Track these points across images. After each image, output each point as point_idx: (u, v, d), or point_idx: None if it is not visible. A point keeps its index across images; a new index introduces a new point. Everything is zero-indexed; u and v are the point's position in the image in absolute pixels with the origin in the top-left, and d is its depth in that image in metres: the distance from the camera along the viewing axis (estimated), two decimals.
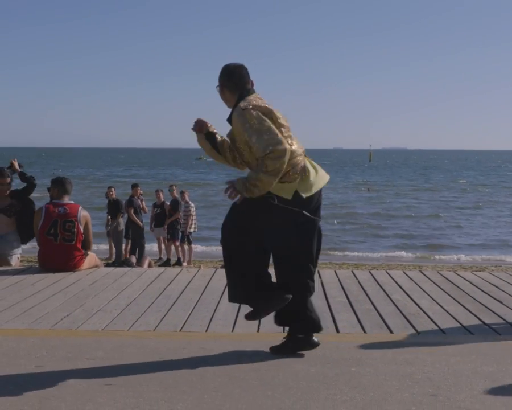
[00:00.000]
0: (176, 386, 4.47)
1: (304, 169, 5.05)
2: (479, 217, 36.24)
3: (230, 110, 5.25)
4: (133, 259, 15.11)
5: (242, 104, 5.00)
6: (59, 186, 9.48)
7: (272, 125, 4.89)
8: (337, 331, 6.04)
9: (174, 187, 19.60)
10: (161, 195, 19.56)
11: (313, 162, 5.21)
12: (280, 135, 4.86)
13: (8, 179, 9.90)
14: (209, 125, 5.51)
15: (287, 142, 4.91)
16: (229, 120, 5.20)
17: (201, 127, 5.50)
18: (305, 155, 5.16)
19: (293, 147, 5.02)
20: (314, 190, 5.08)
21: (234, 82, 5.22)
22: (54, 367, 4.88)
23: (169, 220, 18.94)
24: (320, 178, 5.16)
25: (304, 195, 5.00)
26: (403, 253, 23.23)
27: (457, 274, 9.20)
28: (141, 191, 19.47)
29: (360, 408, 4.12)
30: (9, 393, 4.33)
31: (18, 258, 10.10)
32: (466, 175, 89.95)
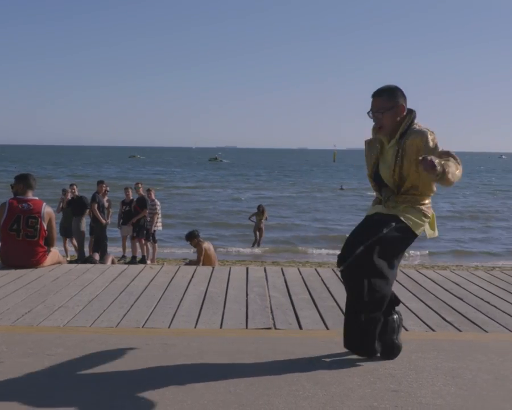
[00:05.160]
0: (138, 383, 4.45)
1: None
2: None
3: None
4: (97, 256, 15.02)
5: (422, 127, 4.97)
6: (23, 181, 9.40)
7: None
8: (300, 327, 6.05)
9: (140, 184, 19.49)
10: (130, 193, 19.44)
11: None
12: None
13: None
14: None
15: None
16: (400, 141, 4.99)
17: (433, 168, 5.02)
18: None
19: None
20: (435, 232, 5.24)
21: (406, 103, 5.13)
22: (14, 363, 4.82)
23: (136, 217, 18.82)
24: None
25: (427, 234, 5.16)
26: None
27: (419, 272, 9.28)
28: (108, 188, 19.28)
29: (322, 403, 4.13)
30: None
31: None
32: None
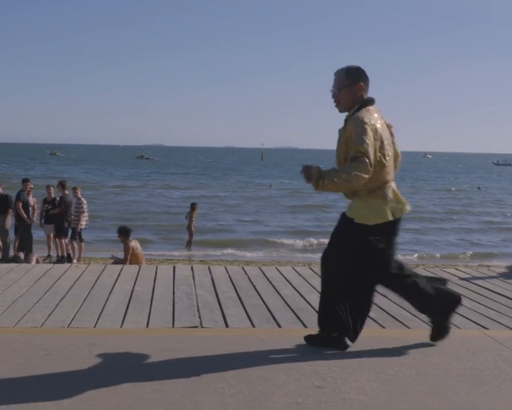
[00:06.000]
0: (63, 383, 4.40)
1: (390, 194, 5.15)
2: None
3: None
4: (22, 256, 14.75)
5: (363, 116, 5.02)
6: None
7: (373, 145, 4.95)
8: (226, 325, 6.08)
9: (65, 183, 19.19)
10: (52, 191, 19.12)
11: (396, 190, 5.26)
12: (373, 157, 4.92)
13: None
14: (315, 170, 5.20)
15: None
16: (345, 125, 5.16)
17: (309, 177, 5.08)
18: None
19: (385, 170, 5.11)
20: (397, 215, 5.18)
21: (367, 84, 5.26)
22: None
23: (53, 213, 18.47)
24: (401, 206, 5.23)
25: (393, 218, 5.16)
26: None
27: None
28: (32, 186, 18.97)
29: (248, 400, 4.16)
30: None
31: None
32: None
